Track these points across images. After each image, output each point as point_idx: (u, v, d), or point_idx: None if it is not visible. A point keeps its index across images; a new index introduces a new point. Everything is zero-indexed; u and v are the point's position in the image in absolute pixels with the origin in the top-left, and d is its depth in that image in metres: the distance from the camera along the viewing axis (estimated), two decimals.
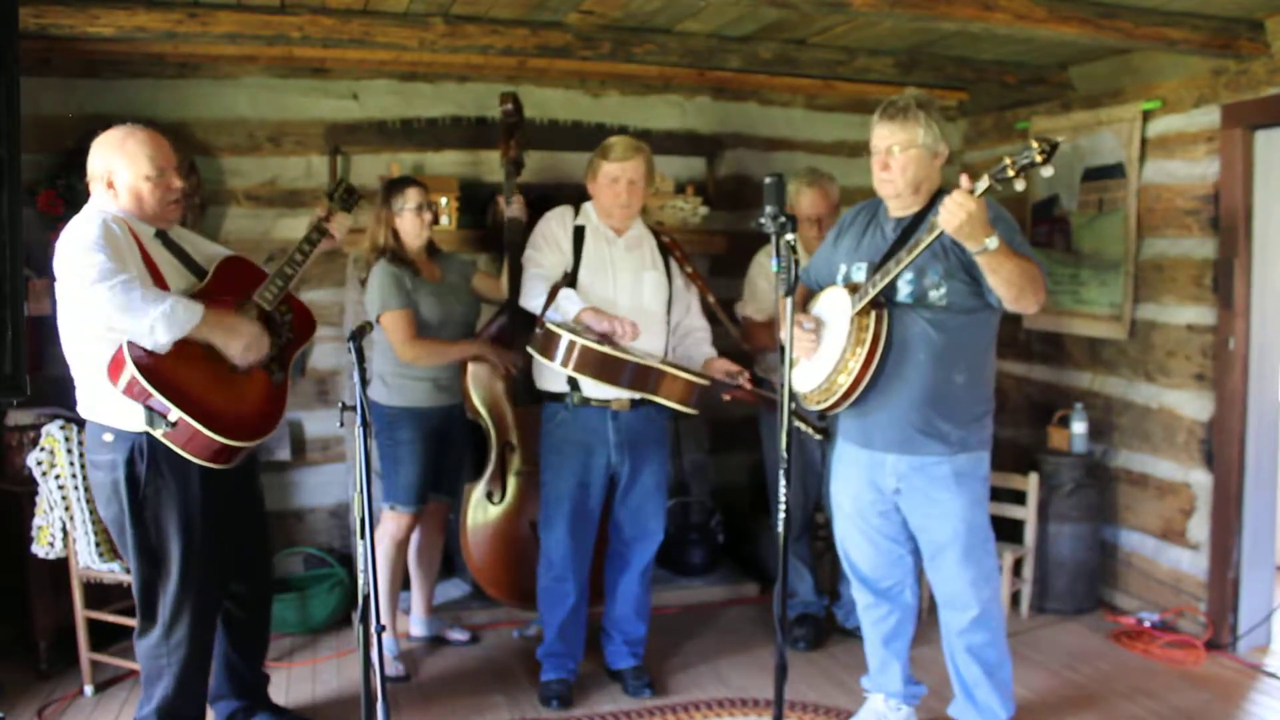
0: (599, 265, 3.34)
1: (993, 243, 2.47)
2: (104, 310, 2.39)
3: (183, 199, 2.76)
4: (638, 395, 3.21)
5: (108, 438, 2.58)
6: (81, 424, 3.26)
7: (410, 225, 3.50)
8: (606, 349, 3.07)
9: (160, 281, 2.59)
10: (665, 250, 3.51)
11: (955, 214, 2.43)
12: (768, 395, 3.46)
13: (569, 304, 3.20)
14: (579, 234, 3.36)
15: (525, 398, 3.59)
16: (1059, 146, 2.35)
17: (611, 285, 3.33)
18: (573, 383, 3.26)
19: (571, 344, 3.07)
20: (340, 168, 4.31)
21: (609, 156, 3.30)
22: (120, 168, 2.62)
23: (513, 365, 3.63)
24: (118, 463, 2.57)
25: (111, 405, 2.53)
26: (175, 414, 2.47)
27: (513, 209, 3.74)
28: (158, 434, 2.51)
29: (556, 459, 3.34)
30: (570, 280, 3.31)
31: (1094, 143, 4.30)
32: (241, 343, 2.57)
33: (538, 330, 3.21)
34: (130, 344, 2.44)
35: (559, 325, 3.12)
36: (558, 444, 3.33)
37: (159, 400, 2.45)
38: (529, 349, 3.25)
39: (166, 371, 2.47)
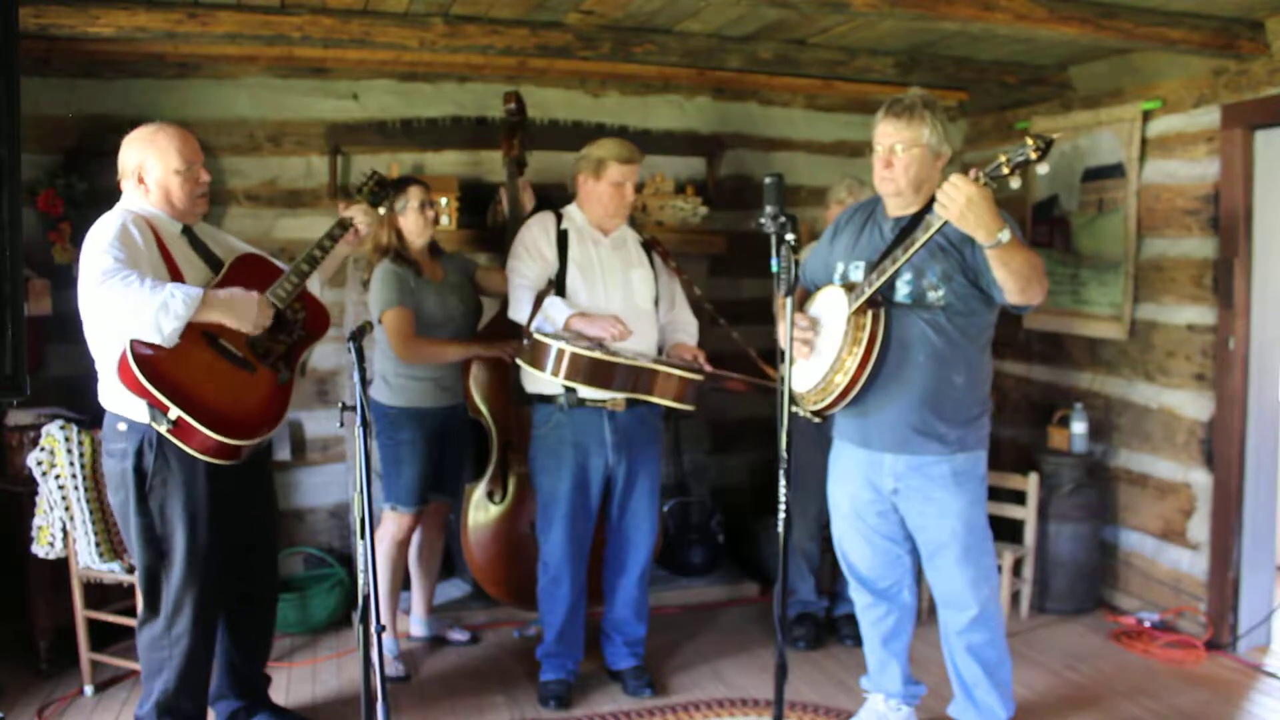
0: (587, 267, 3.32)
1: (1006, 235, 2.43)
2: (111, 309, 2.43)
3: (208, 193, 2.80)
4: (633, 397, 3.20)
5: (121, 427, 2.63)
6: (81, 424, 3.30)
7: (413, 224, 3.50)
8: (597, 354, 3.05)
9: (178, 278, 2.62)
10: (647, 247, 3.50)
11: (953, 197, 2.38)
12: (761, 384, 3.44)
13: (556, 311, 3.19)
14: (563, 238, 3.35)
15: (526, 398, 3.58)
16: (1054, 143, 2.31)
17: (601, 286, 3.31)
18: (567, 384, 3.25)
19: (561, 352, 3.04)
20: (340, 168, 4.31)
21: (621, 158, 3.28)
22: (151, 163, 2.68)
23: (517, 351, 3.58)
24: (128, 452, 2.62)
25: (127, 396, 2.57)
26: (175, 412, 2.49)
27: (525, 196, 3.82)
28: (161, 430, 2.54)
29: (553, 461, 3.32)
30: (559, 284, 3.30)
31: (1094, 143, 4.29)
32: (250, 318, 2.60)
33: (525, 341, 3.19)
34: (134, 341, 2.46)
35: (548, 335, 3.09)
36: (553, 446, 3.31)
37: (158, 398, 2.47)
38: (518, 360, 3.23)
39: (168, 370, 2.49)
